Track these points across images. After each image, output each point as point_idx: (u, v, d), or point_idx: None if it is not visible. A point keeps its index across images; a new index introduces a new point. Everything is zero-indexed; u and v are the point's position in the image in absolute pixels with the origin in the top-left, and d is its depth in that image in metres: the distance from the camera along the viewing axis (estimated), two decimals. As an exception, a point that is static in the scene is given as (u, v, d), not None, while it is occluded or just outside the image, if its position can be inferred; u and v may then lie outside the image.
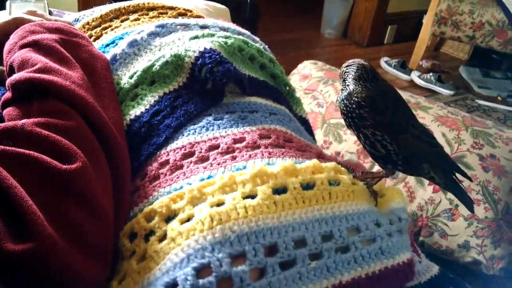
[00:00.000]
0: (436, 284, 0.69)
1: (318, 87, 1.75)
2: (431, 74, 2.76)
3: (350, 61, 0.65)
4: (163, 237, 0.49)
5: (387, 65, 2.97)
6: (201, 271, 0.44)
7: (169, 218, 0.50)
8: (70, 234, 0.43)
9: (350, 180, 0.59)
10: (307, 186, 0.54)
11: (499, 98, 2.68)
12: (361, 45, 3.37)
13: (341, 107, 0.63)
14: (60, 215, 0.44)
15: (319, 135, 1.54)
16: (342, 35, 3.51)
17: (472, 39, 2.66)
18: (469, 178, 0.67)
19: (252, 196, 0.51)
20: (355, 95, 0.60)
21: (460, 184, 0.64)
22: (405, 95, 1.70)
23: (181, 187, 0.55)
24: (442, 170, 0.63)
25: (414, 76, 2.80)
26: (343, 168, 0.60)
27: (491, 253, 1.26)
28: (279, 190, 0.52)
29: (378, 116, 0.58)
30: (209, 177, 0.56)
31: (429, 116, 1.51)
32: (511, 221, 1.29)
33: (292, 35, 3.43)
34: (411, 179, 1.36)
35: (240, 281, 0.44)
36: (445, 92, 2.68)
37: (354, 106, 0.60)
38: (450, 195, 1.32)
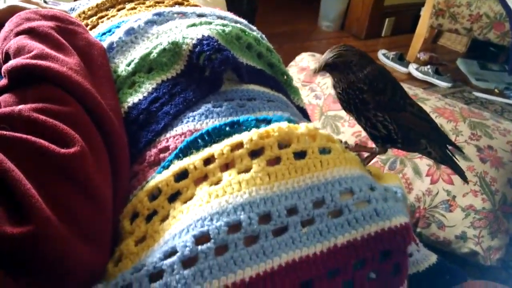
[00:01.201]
0: (434, 272, 0.70)
1: (316, 79, 1.75)
2: (428, 66, 2.76)
3: (335, 49, 0.64)
4: (165, 217, 0.50)
5: (384, 58, 2.96)
6: (200, 238, 0.46)
7: (172, 196, 0.52)
8: (68, 217, 0.43)
9: (341, 148, 0.60)
10: (300, 154, 0.56)
11: (496, 90, 2.68)
12: (359, 37, 3.36)
13: (342, 96, 0.63)
14: (58, 198, 0.43)
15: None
16: (340, 27, 3.49)
17: (469, 31, 2.66)
18: (460, 150, 0.69)
19: (247, 170, 0.53)
20: (357, 82, 0.60)
21: (454, 157, 0.67)
22: (403, 86, 1.70)
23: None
24: (438, 145, 0.65)
25: (412, 68, 2.80)
26: (336, 139, 0.61)
27: (488, 244, 1.26)
28: (273, 161, 0.54)
29: (377, 96, 0.59)
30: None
31: (427, 107, 1.51)
32: (508, 212, 1.30)
33: (289, 27, 3.42)
34: (408, 171, 1.37)
35: (234, 246, 0.46)
36: (443, 84, 2.68)
37: (357, 92, 0.60)
38: (447, 186, 1.32)
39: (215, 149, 0.55)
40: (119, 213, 0.52)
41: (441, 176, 1.34)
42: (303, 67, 1.86)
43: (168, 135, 0.61)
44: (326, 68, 0.61)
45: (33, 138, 0.45)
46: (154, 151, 0.60)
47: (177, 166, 0.54)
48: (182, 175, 0.54)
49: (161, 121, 0.62)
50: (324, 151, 0.58)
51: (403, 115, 0.61)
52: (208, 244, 0.45)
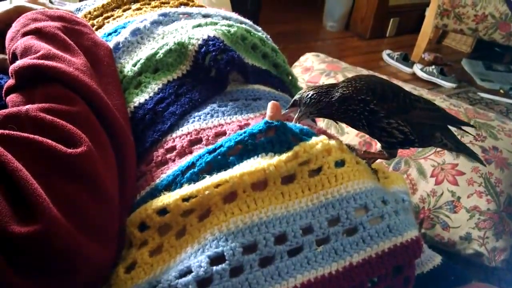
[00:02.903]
0: (438, 274, 0.70)
1: (320, 80, 1.75)
2: (433, 67, 2.75)
3: (306, 100, 0.61)
4: (181, 232, 0.50)
5: (389, 58, 2.95)
6: (215, 259, 0.45)
7: (184, 212, 0.51)
8: (75, 217, 0.43)
9: (354, 159, 0.59)
10: (314, 170, 0.55)
11: (501, 91, 2.67)
12: (363, 37, 3.35)
13: (348, 117, 0.62)
14: (65, 198, 0.44)
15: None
16: (344, 27, 3.49)
17: (475, 31, 2.64)
18: (472, 126, 0.69)
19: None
20: (357, 95, 0.59)
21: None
22: (407, 87, 1.70)
23: (187, 163, 0.56)
24: (451, 135, 0.65)
25: (417, 69, 2.79)
26: (345, 146, 0.61)
27: (493, 245, 1.25)
28: (288, 177, 0.53)
29: (386, 104, 0.58)
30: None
31: (432, 107, 1.50)
32: (513, 213, 1.29)
33: (294, 27, 3.42)
34: (413, 171, 1.36)
35: (250, 267, 0.46)
36: (448, 85, 2.67)
37: (361, 105, 0.59)
38: (452, 187, 1.32)
39: (229, 174, 0.53)
40: (126, 212, 0.52)
41: (445, 177, 1.34)
42: (307, 67, 1.86)
43: (174, 135, 0.61)
44: (310, 115, 0.61)
45: (40, 138, 0.45)
46: (161, 151, 0.60)
47: (186, 190, 0.52)
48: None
49: (167, 121, 0.63)
50: (338, 163, 0.57)
51: (413, 113, 0.60)
52: (223, 265, 0.45)
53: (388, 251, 0.53)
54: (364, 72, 1.82)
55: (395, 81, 1.76)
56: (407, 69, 2.85)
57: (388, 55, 2.97)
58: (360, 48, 3.22)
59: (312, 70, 1.83)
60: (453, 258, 1.31)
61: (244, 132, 0.55)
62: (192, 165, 0.55)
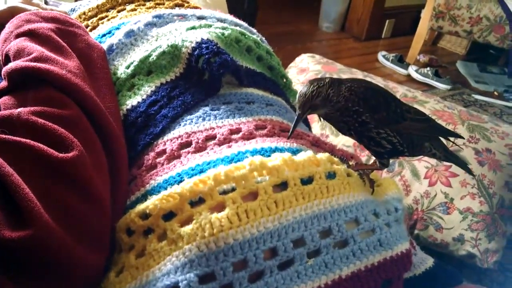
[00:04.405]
0: (431, 276, 0.70)
1: (316, 81, 1.75)
2: (428, 68, 2.75)
3: (308, 90, 0.59)
4: (162, 235, 0.49)
5: (384, 59, 2.96)
6: (204, 278, 0.45)
7: (165, 216, 0.50)
8: (67, 221, 0.43)
9: (345, 171, 0.59)
10: (306, 180, 0.54)
11: (495, 93, 2.68)
12: (359, 39, 3.36)
13: (338, 125, 0.62)
14: (56, 202, 0.44)
15: (316, 128, 1.54)
16: (340, 28, 3.49)
17: (469, 34, 2.66)
18: (461, 137, 0.69)
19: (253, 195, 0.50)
20: (352, 106, 0.59)
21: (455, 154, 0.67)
22: (402, 89, 1.70)
23: (178, 175, 0.55)
24: (441, 145, 0.65)
25: (412, 70, 2.80)
26: (336, 159, 0.60)
27: (485, 247, 1.26)
28: (279, 185, 0.52)
29: (376, 114, 0.58)
30: (203, 164, 0.56)
31: (426, 110, 1.51)
32: (505, 215, 1.30)
33: (290, 28, 3.42)
34: (407, 173, 1.37)
35: (239, 285, 0.45)
36: (442, 86, 2.68)
37: (354, 116, 0.59)
38: (445, 188, 1.32)
39: (215, 171, 0.52)
40: (117, 216, 0.52)
41: (439, 179, 1.34)
42: (303, 68, 1.86)
43: (165, 138, 0.61)
44: (308, 110, 0.59)
45: (32, 142, 0.45)
46: (151, 154, 0.60)
47: (169, 190, 0.51)
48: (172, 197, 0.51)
49: (159, 124, 0.62)
50: (329, 175, 0.56)
51: (404, 124, 0.60)
52: (213, 284, 0.44)
53: (378, 265, 0.53)
54: (359, 74, 1.83)
55: (390, 83, 1.77)
56: (402, 71, 2.86)
57: (384, 56, 2.98)
58: (356, 49, 3.23)
59: (307, 71, 1.83)
60: (446, 259, 1.32)
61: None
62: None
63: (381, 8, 3.27)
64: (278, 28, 3.31)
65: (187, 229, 0.47)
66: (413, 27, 3.07)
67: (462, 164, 0.69)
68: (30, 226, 0.39)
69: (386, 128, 0.59)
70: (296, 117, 0.58)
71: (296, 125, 0.59)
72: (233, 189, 0.50)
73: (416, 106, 1.51)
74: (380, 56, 3.01)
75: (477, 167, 1.33)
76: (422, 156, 0.68)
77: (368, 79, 1.73)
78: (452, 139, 0.75)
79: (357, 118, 0.59)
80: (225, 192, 0.50)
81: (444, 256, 1.33)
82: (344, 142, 1.48)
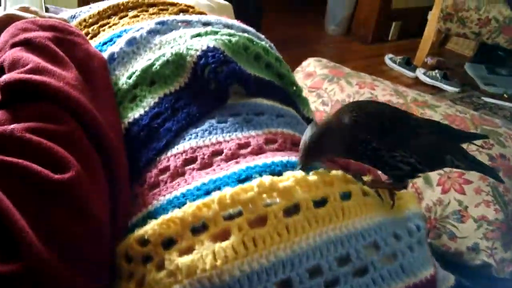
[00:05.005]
0: (453, 295, 0.67)
1: (323, 85, 1.72)
2: (436, 71, 2.72)
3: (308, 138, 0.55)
4: (161, 264, 0.44)
5: (391, 62, 2.93)
6: None
7: (164, 243, 0.46)
8: (63, 250, 0.40)
9: (361, 190, 0.54)
10: (319, 202, 0.50)
11: (505, 95, 2.64)
12: (365, 42, 3.33)
13: (351, 156, 0.58)
14: (51, 229, 0.40)
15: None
16: (346, 32, 3.47)
17: (478, 35, 2.62)
18: (484, 136, 0.64)
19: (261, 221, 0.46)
20: (358, 136, 0.54)
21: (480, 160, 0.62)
22: (412, 93, 1.66)
23: (182, 195, 0.51)
24: (463, 154, 0.60)
25: (419, 73, 2.77)
26: (350, 177, 0.56)
27: (501, 256, 1.22)
28: (291, 208, 0.48)
29: (385, 139, 0.54)
30: (209, 182, 0.52)
31: (437, 114, 1.47)
32: (522, 223, 1.26)
33: (295, 32, 3.39)
34: (419, 180, 1.33)
35: None
36: (451, 89, 2.64)
37: (363, 145, 0.55)
38: (459, 196, 1.29)
39: (220, 194, 0.48)
40: (118, 239, 0.49)
41: (452, 186, 1.30)
42: (309, 73, 1.83)
43: (169, 153, 0.58)
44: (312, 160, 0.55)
45: (25, 162, 0.42)
46: (154, 171, 0.56)
47: (169, 215, 0.47)
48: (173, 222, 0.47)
49: (163, 139, 0.59)
50: (344, 195, 0.52)
51: (417, 141, 0.56)
52: None
53: None
54: (367, 77, 1.79)
55: (400, 87, 1.73)
56: (409, 73, 2.83)
57: (391, 59, 2.95)
58: (362, 52, 3.20)
59: (314, 75, 1.80)
60: (460, 269, 1.28)
61: None
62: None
63: (387, 10, 3.24)
64: (283, 32, 3.28)
65: (186, 260, 0.43)
66: (420, 29, 3.04)
67: (490, 171, 0.63)
68: (21, 258, 0.36)
69: (400, 150, 0.55)
70: (297, 167, 0.54)
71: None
72: (239, 213, 0.46)
73: (427, 110, 1.48)
74: (387, 59, 2.98)
75: (491, 174, 1.29)
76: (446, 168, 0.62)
77: (376, 83, 1.69)
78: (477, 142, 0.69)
79: (367, 146, 0.55)
80: (231, 217, 0.46)
81: (458, 265, 1.29)
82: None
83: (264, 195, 0.47)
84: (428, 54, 2.93)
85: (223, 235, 0.44)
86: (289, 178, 0.50)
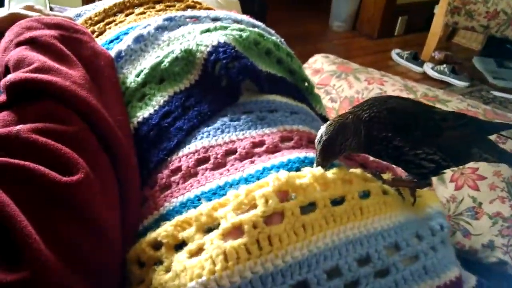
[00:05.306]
0: (474, 296, 0.64)
1: (331, 82, 1.69)
2: (444, 65, 2.68)
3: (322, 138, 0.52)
4: (170, 268, 0.42)
5: (398, 57, 2.89)
6: None
7: (177, 246, 0.44)
8: (70, 255, 0.38)
9: (380, 189, 0.52)
10: (337, 201, 0.48)
11: (515, 89, 2.61)
12: (371, 37, 3.29)
13: (371, 154, 0.56)
14: (59, 235, 0.39)
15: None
16: (351, 27, 3.43)
17: (486, 28, 2.58)
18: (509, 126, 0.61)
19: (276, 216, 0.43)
20: (378, 133, 0.52)
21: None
22: (422, 88, 1.64)
23: (196, 197, 0.49)
24: (490, 145, 0.57)
25: (427, 68, 2.73)
26: (369, 175, 0.54)
27: (517, 253, 1.20)
28: (306, 207, 0.46)
29: (409, 136, 0.52)
30: (225, 185, 0.50)
31: (449, 109, 1.44)
32: (538, 219, 1.23)
33: (300, 28, 3.36)
34: (431, 177, 1.30)
35: None
36: (460, 84, 2.61)
37: (384, 143, 0.52)
38: (473, 192, 1.26)
39: (235, 192, 0.46)
40: (129, 243, 0.47)
41: (465, 182, 1.28)
42: (317, 69, 1.80)
43: (180, 153, 0.56)
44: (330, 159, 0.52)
45: (32, 165, 0.40)
46: (166, 172, 0.54)
47: (183, 216, 0.45)
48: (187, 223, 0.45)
49: (174, 138, 0.57)
50: (363, 194, 0.50)
51: (443, 137, 0.53)
52: None
53: None
54: (376, 73, 1.76)
55: (409, 82, 1.70)
56: (417, 68, 2.79)
57: (398, 54, 2.92)
58: (368, 48, 3.16)
59: (322, 72, 1.77)
60: (475, 267, 1.26)
61: None
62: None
63: (393, 4, 3.20)
64: (287, 29, 3.24)
65: (194, 261, 0.40)
66: (427, 23, 3.00)
67: None
68: (28, 266, 0.34)
69: (424, 147, 0.52)
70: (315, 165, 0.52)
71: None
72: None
73: (438, 105, 1.45)
74: (394, 54, 2.95)
75: (506, 169, 1.26)
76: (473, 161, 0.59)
77: (385, 78, 1.67)
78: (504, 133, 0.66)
79: (388, 144, 0.52)
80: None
81: (472, 263, 1.26)
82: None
83: (280, 192, 0.45)
84: (435, 49, 2.90)
85: (236, 233, 0.42)
86: (306, 175, 0.48)
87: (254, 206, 0.44)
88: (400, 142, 0.51)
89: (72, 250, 0.39)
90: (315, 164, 0.51)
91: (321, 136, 0.51)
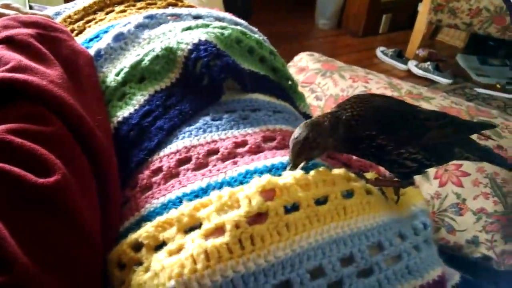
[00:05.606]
0: (458, 292, 0.65)
1: (316, 80, 1.70)
2: (428, 63, 2.71)
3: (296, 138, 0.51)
4: (149, 268, 0.41)
5: (383, 55, 2.91)
6: None
7: (157, 247, 0.43)
8: (50, 260, 0.37)
9: (363, 188, 0.52)
10: (320, 200, 0.48)
11: (498, 85, 2.64)
12: (356, 35, 3.30)
13: (354, 154, 0.55)
14: (37, 238, 0.38)
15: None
16: (337, 25, 3.44)
17: (469, 26, 2.61)
18: (492, 126, 0.61)
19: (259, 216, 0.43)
20: (362, 131, 0.52)
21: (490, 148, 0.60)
22: (406, 85, 1.65)
23: (177, 198, 0.48)
24: (472, 144, 0.58)
25: (411, 65, 2.75)
26: (353, 175, 0.54)
27: (501, 248, 1.21)
28: (290, 207, 0.45)
29: (394, 135, 0.51)
30: (208, 186, 0.49)
31: (432, 107, 1.46)
32: (521, 214, 1.25)
33: (285, 26, 3.36)
34: (415, 173, 1.31)
35: None
36: (443, 81, 2.63)
37: (367, 141, 0.52)
38: (456, 188, 1.27)
39: (218, 193, 0.46)
40: (109, 247, 0.46)
41: (449, 179, 1.29)
42: (302, 68, 1.80)
43: (161, 153, 0.55)
44: (303, 162, 0.52)
45: (7, 166, 0.39)
46: (146, 173, 0.53)
47: (164, 217, 0.44)
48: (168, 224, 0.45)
49: (154, 138, 0.56)
50: (347, 194, 0.50)
51: (428, 137, 0.53)
52: None
53: None
54: (360, 71, 1.77)
55: (394, 79, 1.71)
56: (402, 66, 2.81)
57: (382, 52, 2.93)
58: (353, 46, 3.18)
59: (307, 70, 1.77)
60: (459, 262, 1.27)
61: None
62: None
63: (377, 2, 3.22)
64: (272, 27, 3.25)
65: (173, 260, 0.39)
66: (411, 21, 3.03)
67: (501, 161, 0.62)
68: (5, 270, 0.33)
69: (407, 146, 0.52)
70: (288, 168, 0.51)
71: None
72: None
73: (422, 103, 1.46)
74: (378, 52, 2.97)
75: (489, 165, 1.28)
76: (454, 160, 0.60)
77: (370, 76, 1.67)
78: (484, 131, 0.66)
79: (371, 143, 0.52)
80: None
81: (457, 258, 1.28)
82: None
83: (263, 193, 0.45)
84: (419, 46, 2.92)
85: (218, 234, 0.41)
86: (287, 177, 0.47)
87: (238, 207, 0.43)
88: (384, 140, 0.51)
89: (51, 253, 0.38)
90: (288, 165, 0.51)
91: (294, 136, 0.50)
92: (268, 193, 0.45)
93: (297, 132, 0.50)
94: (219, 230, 0.41)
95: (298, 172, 0.48)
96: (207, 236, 0.41)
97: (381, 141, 0.51)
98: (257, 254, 0.40)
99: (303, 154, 0.50)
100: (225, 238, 0.40)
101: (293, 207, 0.45)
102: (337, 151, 0.56)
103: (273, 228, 0.42)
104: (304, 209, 0.45)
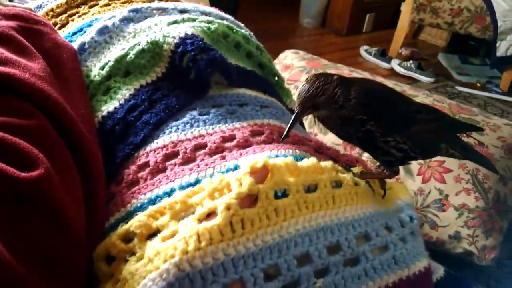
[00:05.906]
0: (442, 286, 0.65)
1: (301, 77, 1.70)
2: (411, 62, 2.75)
3: (312, 84, 0.51)
4: (142, 256, 0.41)
5: (367, 54, 2.94)
6: None
7: (150, 235, 0.42)
8: (32, 259, 0.36)
9: (352, 180, 0.52)
10: (309, 188, 0.48)
11: (478, 84, 2.69)
12: (340, 34, 3.33)
13: (340, 133, 0.56)
14: (19, 234, 0.36)
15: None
16: (321, 24, 3.46)
17: (451, 25, 2.65)
18: (480, 129, 0.62)
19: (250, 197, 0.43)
20: (354, 114, 0.52)
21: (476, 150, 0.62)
22: (389, 83, 1.67)
23: (164, 193, 0.48)
24: (458, 142, 0.58)
25: (394, 64, 2.79)
26: (340, 168, 0.54)
27: (482, 243, 1.23)
28: (280, 192, 0.45)
29: (382, 122, 0.52)
30: (196, 181, 0.48)
31: (417, 104, 1.47)
32: (501, 210, 1.27)
33: (270, 24, 3.36)
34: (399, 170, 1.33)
35: None
36: (425, 79, 2.67)
37: (357, 125, 0.52)
38: (439, 185, 1.29)
39: (209, 179, 0.46)
40: (94, 243, 0.45)
41: (432, 175, 1.31)
42: (287, 65, 1.80)
43: (148, 148, 0.54)
44: (309, 110, 0.52)
45: None
46: (133, 168, 0.52)
47: (157, 205, 0.44)
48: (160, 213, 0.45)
49: (140, 133, 0.55)
50: (335, 184, 0.50)
51: (416, 128, 0.54)
52: None
53: (393, 286, 0.47)
54: (345, 69, 1.78)
55: (378, 77, 1.73)
56: (385, 65, 2.84)
57: (366, 50, 2.96)
58: (337, 45, 3.20)
59: (292, 67, 1.77)
60: (442, 257, 1.29)
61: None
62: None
63: (361, 2, 3.25)
64: (257, 25, 3.22)
65: (168, 242, 0.39)
66: (394, 20, 3.06)
67: (484, 161, 0.62)
68: None
69: (395, 135, 0.53)
70: (293, 116, 0.51)
71: (293, 125, 0.52)
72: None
73: (405, 100, 1.48)
74: (362, 50, 2.99)
75: (471, 162, 1.30)
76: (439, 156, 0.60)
77: (354, 74, 1.69)
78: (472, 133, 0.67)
79: (361, 127, 0.52)
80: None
81: (440, 254, 1.29)
82: (333, 140, 1.43)
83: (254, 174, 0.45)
84: (402, 45, 2.96)
85: (211, 218, 0.41)
86: (278, 160, 0.47)
87: (230, 191, 0.43)
88: (373, 126, 0.51)
89: (34, 249, 0.37)
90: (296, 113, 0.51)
91: (302, 83, 0.52)
92: (259, 175, 0.44)
93: (306, 79, 0.52)
94: (212, 214, 0.41)
95: (289, 158, 0.48)
96: (200, 220, 0.41)
97: (370, 126, 0.51)
98: (246, 237, 0.40)
99: (310, 100, 0.50)
100: (216, 220, 0.40)
101: (283, 194, 0.45)
102: (327, 125, 0.56)
103: (263, 212, 0.42)
104: (293, 195, 0.45)
